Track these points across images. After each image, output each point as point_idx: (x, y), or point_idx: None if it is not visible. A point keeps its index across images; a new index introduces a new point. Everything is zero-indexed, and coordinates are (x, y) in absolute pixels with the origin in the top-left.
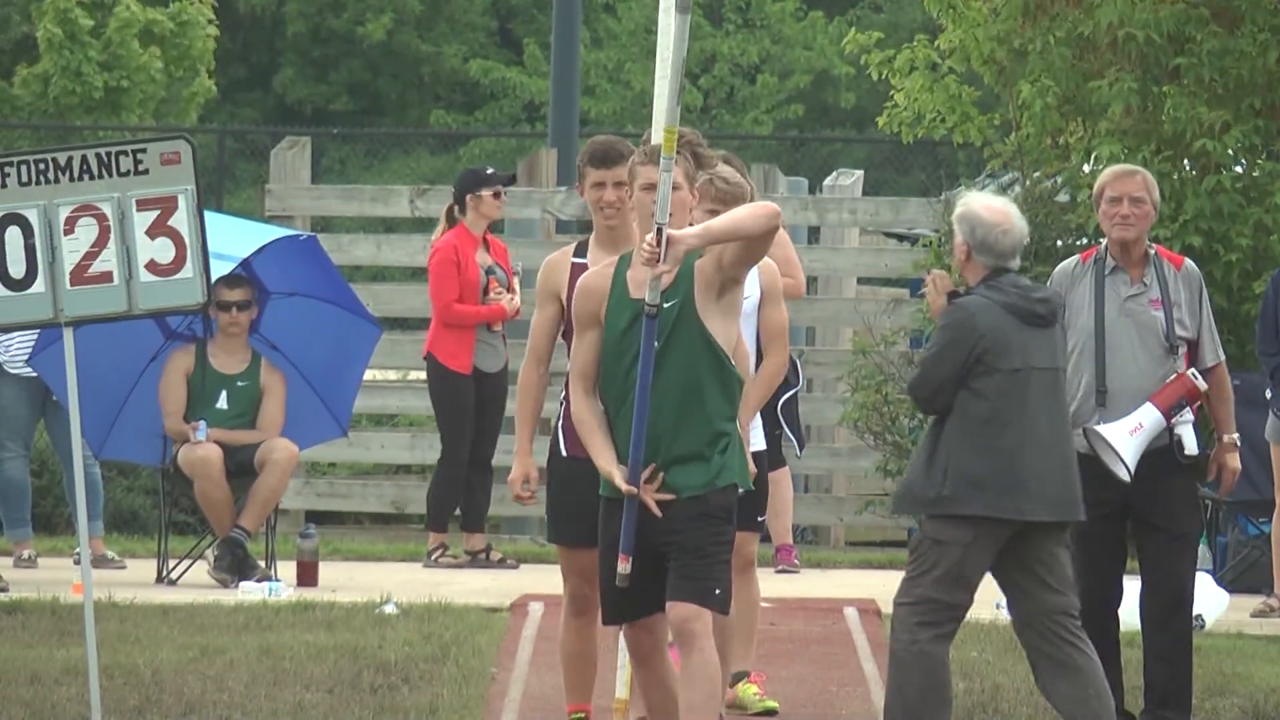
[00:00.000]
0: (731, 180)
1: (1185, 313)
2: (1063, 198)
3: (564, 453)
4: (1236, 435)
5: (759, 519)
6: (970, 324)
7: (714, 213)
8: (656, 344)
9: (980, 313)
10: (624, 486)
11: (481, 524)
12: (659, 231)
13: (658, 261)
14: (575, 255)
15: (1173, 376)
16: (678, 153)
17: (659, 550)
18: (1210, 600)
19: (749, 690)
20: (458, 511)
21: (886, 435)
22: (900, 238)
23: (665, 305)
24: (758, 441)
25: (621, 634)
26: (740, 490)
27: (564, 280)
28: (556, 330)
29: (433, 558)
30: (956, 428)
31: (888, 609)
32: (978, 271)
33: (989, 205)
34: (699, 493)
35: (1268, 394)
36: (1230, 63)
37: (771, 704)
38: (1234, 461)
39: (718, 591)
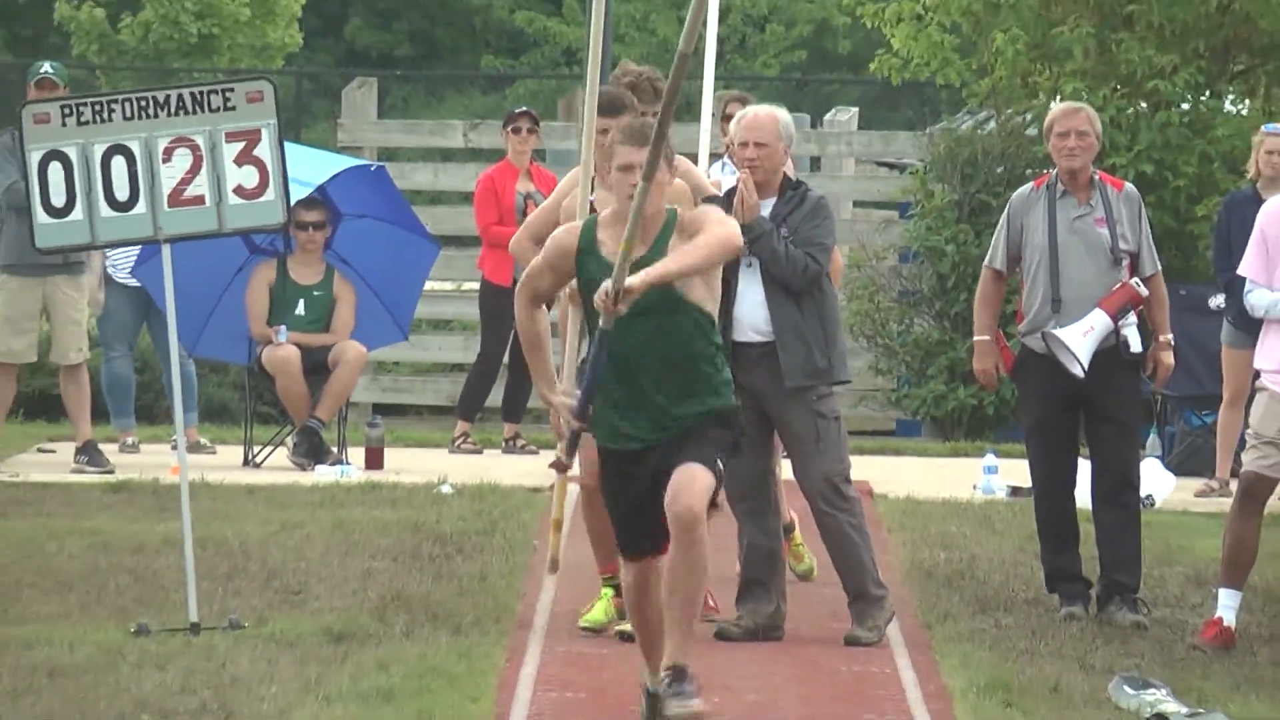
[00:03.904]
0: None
1: (1127, 229)
2: (1032, 131)
3: None
4: (1170, 336)
5: None
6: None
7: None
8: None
9: None
10: (573, 422)
11: (519, 415)
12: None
13: (614, 305)
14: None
15: (1118, 285)
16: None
17: (661, 477)
18: (1159, 482)
19: (799, 542)
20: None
21: (877, 339)
22: (890, 166)
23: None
24: None
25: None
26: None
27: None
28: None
29: (456, 444)
30: (829, 307)
31: (880, 489)
32: (780, 173)
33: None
34: (704, 413)
35: (1211, 303)
36: (1177, 10)
37: (810, 565)
38: (1168, 358)
39: (720, 464)
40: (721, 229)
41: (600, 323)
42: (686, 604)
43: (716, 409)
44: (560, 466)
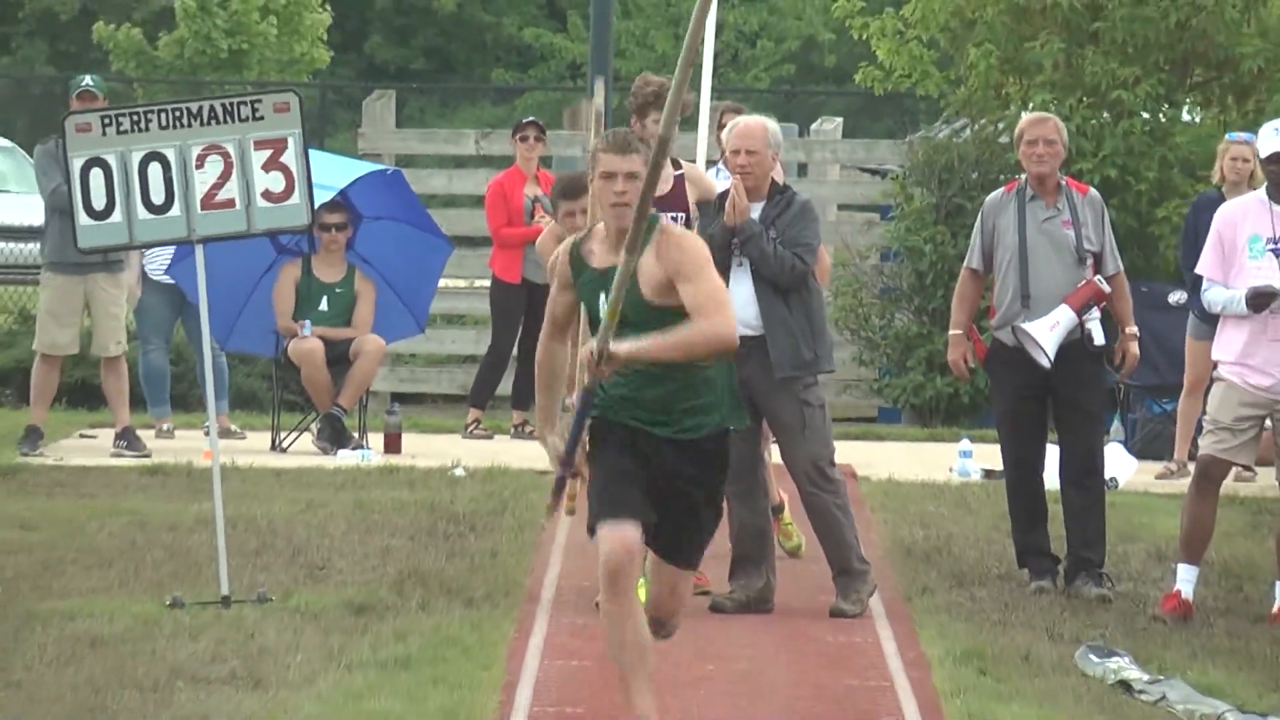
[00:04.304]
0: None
1: (1091, 230)
2: (1004, 140)
3: None
4: (1135, 329)
5: None
6: None
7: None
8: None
9: None
10: (555, 468)
11: (528, 403)
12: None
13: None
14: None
15: (1083, 282)
16: (641, 142)
17: (658, 481)
18: (1123, 466)
19: (788, 521)
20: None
21: (860, 331)
22: (872, 172)
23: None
24: None
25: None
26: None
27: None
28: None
29: (468, 430)
30: (816, 303)
31: (863, 472)
32: (770, 178)
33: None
34: (709, 432)
35: (1171, 299)
36: (1139, 26)
37: (799, 542)
38: (1134, 349)
39: (697, 556)
40: (722, 328)
41: (585, 380)
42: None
43: (715, 430)
44: (550, 509)
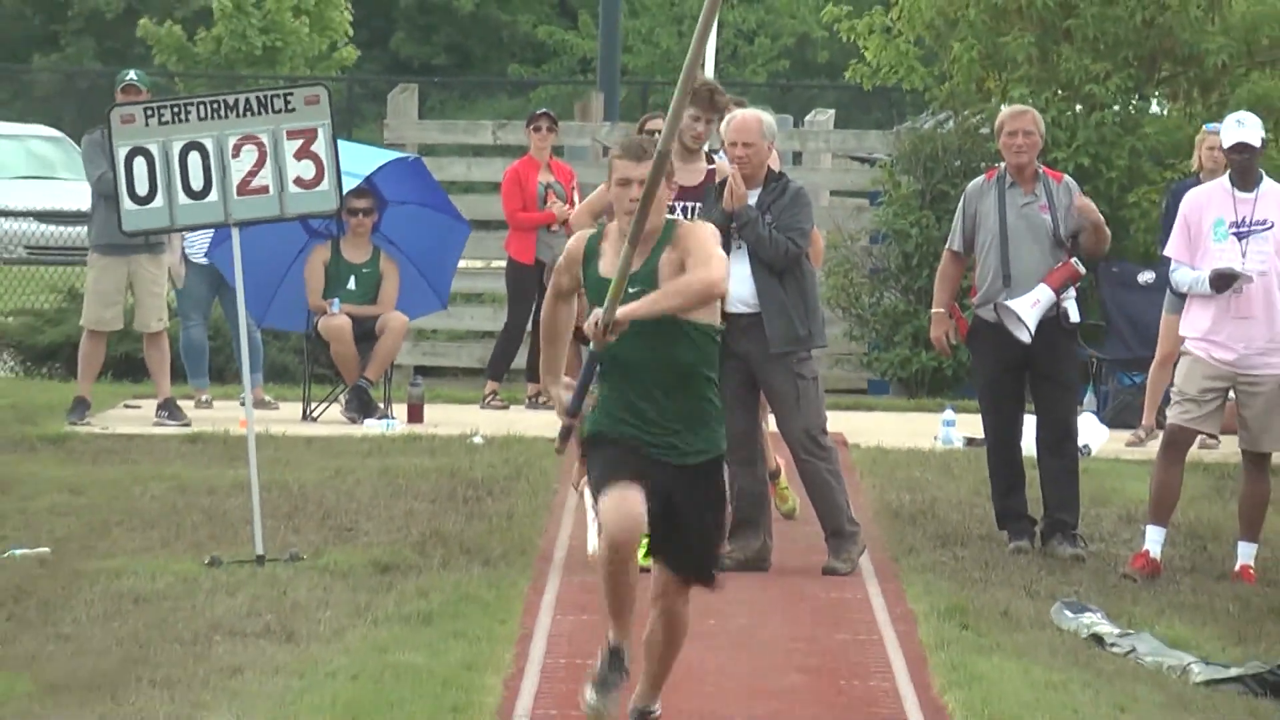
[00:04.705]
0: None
1: (1065, 214)
2: (985, 130)
3: None
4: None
5: None
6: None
7: (707, 121)
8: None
9: None
10: (563, 418)
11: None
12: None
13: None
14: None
15: (1060, 264)
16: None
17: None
18: (1095, 434)
19: (784, 485)
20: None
21: (851, 309)
22: (862, 160)
23: (630, 290)
24: None
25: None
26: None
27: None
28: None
29: (486, 401)
30: (809, 283)
31: (853, 440)
32: (765, 167)
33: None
34: (707, 459)
35: (1140, 278)
36: (1109, 24)
37: (794, 505)
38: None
39: (710, 567)
40: (706, 274)
41: (591, 345)
42: (664, 662)
43: (713, 458)
44: (558, 451)
